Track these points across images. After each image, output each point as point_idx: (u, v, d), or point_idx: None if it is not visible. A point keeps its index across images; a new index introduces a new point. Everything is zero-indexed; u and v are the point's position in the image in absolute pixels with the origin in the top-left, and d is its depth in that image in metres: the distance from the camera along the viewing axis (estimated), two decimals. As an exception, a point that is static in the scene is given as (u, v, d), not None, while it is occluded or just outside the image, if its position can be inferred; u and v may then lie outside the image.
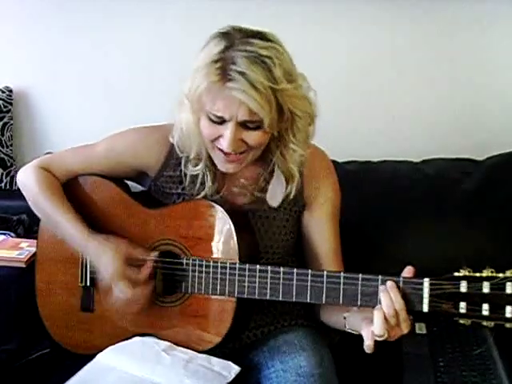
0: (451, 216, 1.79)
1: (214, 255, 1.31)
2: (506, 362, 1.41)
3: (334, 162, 1.48)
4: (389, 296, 1.14)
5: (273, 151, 1.33)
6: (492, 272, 1.10)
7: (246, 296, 1.27)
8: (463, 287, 1.11)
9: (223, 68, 1.18)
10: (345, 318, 1.26)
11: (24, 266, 1.64)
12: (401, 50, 2.07)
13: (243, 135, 1.24)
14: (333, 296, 1.20)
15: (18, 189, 1.48)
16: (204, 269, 1.30)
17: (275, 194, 1.37)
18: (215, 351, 1.31)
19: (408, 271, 1.17)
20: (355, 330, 1.22)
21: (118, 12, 2.14)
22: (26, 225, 1.86)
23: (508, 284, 1.08)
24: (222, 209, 1.30)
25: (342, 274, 1.21)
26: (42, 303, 1.48)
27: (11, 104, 2.19)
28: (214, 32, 1.24)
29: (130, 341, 1.34)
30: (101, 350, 1.32)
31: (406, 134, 2.09)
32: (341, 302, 1.20)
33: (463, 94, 2.06)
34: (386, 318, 1.12)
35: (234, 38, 1.21)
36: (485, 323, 1.10)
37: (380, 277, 1.17)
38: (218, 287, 1.28)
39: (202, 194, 1.36)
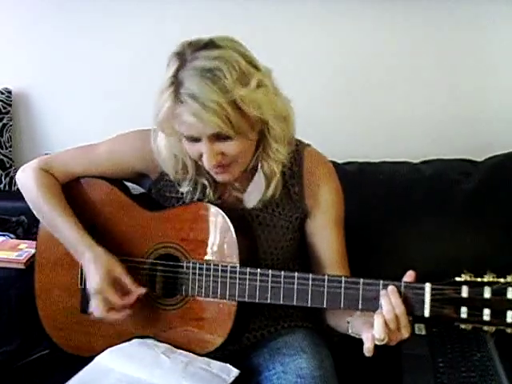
0: (451, 216, 1.78)
1: (215, 258, 1.30)
2: (506, 363, 1.41)
3: (333, 162, 1.48)
4: (389, 300, 1.14)
5: (258, 152, 1.32)
6: (493, 277, 1.09)
7: (246, 300, 1.26)
8: (464, 292, 1.11)
9: (175, 91, 1.18)
10: (348, 322, 1.26)
11: (23, 267, 1.64)
12: (401, 50, 2.06)
13: (221, 147, 1.23)
14: (334, 300, 1.20)
15: (18, 190, 1.48)
16: (204, 272, 1.30)
17: (252, 194, 1.35)
18: (215, 353, 1.30)
19: (409, 276, 1.17)
20: (358, 333, 1.21)
21: (118, 12, 2.14)
22: (25, 226, 1.85)
23: (509, 289, 1.08)
24: (222, 212, 1.30)
25: (343, 278, 1.20)
26: (41, 305, 1.48)
27: (10, 105, 2.19)
28: (171, 53, 1.23)
29: (129, 343, 1.34)
30: (100, 352, 1.32)
31: (405, 134, 2.08)
32: (342, 306, 1.20)
33: (463, 94, 2.06)
34: (386, 323, 1.12)
35: (185, 55, 1.19)
36: (486, 328, 1.10)
37: (381, 281, 1.17)
38: (219, 291, 1.28)
39: (205, 200, 1.36)
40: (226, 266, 1.28)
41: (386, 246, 1.77)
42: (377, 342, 1.13)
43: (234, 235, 1.28)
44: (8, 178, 2.18)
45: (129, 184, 1.50)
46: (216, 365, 1.27)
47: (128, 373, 1.25)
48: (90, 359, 1.31)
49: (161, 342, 1.34)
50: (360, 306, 1.19)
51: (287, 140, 1.31)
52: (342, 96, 2.09)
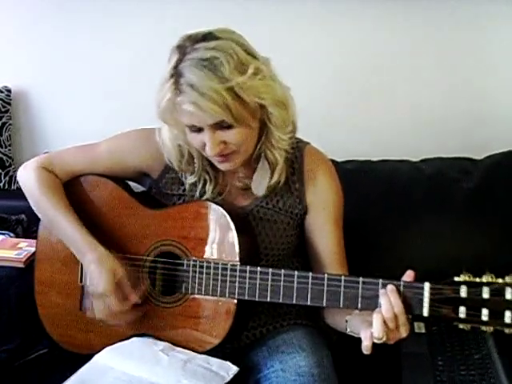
0: (450, 215, 1.79)
1: (215, 256, 1.30)
2: (505, 362, 1.40)
3: (333, 161, 1.49)
4: (388, 300, 1.14)
5: (261, 141, 1.33)
6: (492, 277, 1.10)
7: (246, 298, 1.26)
8: (463, 292, 1.11)
9: (175, 82, 1.21)
10: (346, 321, 1.26)
11: (23, 265, 1.64)
12: (400, 49, 2.06)
13: (223, 136, 1.24)
14: (333, 299, 1.20)
15: (17, 188, 1.48)
16: (204, 270, 1.30)
17: (260, 183, 1.36)
18: (214, 351, 1.30)
19: (408, 275, 1.17)
20: (356, 332, 1.22)
21: (118, 12, 2.14)
22: (25, 225, 1.85)
23: (507, 289, 1.08)
24: (223, 210, 1.30)
25: (342, 277, 1.21)
26: (40, 303, 1.48)
27: (10, 104, 2.20)
28: (172, 47, 1.25)
29: (128, 341, 1.34)
30: (99, 350, 1.32)
31: (405, 133, 2.08)
32: (341, 304, 1.20)
33: (462, 93, 2.06)
34: (385, 322, 1.12)
35: (185, 48, 1.22)
36: (484, 328, 1.10)
37: (380, 280, 1.17)
38: (219, 289, 1.28)
39: (205, 197, 1.38)
40: (226, 264, 1.28)
41: (386, 244, 1.77)
42: (376, 341, 1.13)
43: (235, 233, 1.28)
44: (7, 177, 2.18)
45: (130, 182, 1.50)
46: (215, 362, 1.27)
47: (127, 371, 1.25)
48: (90, 358, 1.31)
49: (160, 339, 1.34)
50: (359, 305, 1.19)
51: (288, 127, 1.32)
52: (342, 95, 2.09)
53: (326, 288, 1.21)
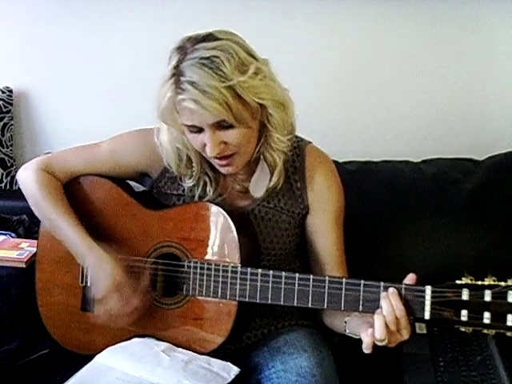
0: (451, 216, 1.78)
1: (216, 258, 1.30)
2: (507, 363, 1.40)
3: (334, 161, 1.48)
4: (390, 303, 1.14)
5: (260, 142, 1.33)
6: (494, 280, 1.09)
7: (247, 300, 1.26)
8: (465, 295, 1.11)
9: (176, 81, 1.21)
10: (345, 322, 1.26)
11: (24, 266, 1.64)
12: (401, 50, 2.06)
13: (223, 137, 1.24)
14: (334, 301, 1.20)
15: (19, 189, 1.48)
16: (205, 272, 1.30)
17: (258, 185, 1.36)
18: (215, 352, 1.30)
19: (410, 278, 1.17)
20: (355, 333, 1.22)
21: (118, 12, 2.14)
22: (26, 225, 1.85)
23: (510, 293, 1.08)
24: (223, 211, 1.30)
25: (343, 279, 1.20)
26: (42, 303, 1.48)
27: (11, 104, 2.19)
28: (172, 48, 1.25)
29: (129, 341, 1.34)
30: (100, 351, 1.32)
31: (406, 134, 2.08)
32: (342, 307, 1.20)
33: (463, 93, 2.06)
34: (386, 325, 1.12)
35: (185, 49, 1.22)
36: (486, 331, 1.10)
37: (382, 283, 1.17)
38: (219, 290, 1.28)
39: (205, 198, 1.38)
40: (227, 266, 1.28)
41: (386, 244, 1.77)
42: (377, 343, 1.13)
43: (236, 235, 1.28)
44: (9, 178, 2.19)
45: (130, 182, 1.50)
46: (216, 363, 1.27)
47: (128, 371, 1.25)
48: (90, 358, 1.31)
49: (161, 340, 1.34)
50: (360, 308, 1.19)
51: (287, 129, 1.32)
52: (342, 95, 2.09)
53: (327, 290, 1.21)
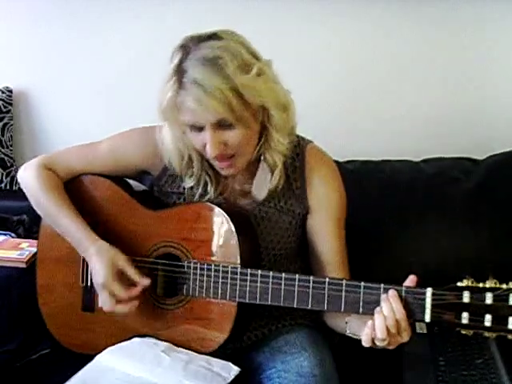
0: (451, 215, 1.78)
1: (216, 258, 1.30)
2: (507, 362, 1.40)
3: (334, 161, 1.48)
4: (390, 305, 1.13)
5: (260, 143, 1.33)
6: (495, 283, 1.09)
7: (247, 301, 1.26)
8: (466, 297, 1.10)
9: (179, 80, 1.21)
10: (346, 322, 1.26)
11: (25, 266, 1.64)
12: (401, 49, 2.06)
13: (224, 136, 1.24)
14: (334, 303, 1.20)
15: (19, 189, 1.48)
16: (205, 272, 1.29)
17: (260, 187, 1.36)
18: (216, 352, 1.30)
19: (410, 280, 1.17)
20: (356, 334, 1.22)
21: (118, 12, 2.14)
22: (27, 225, 1.85)
23: (511, 295, 1.07)
24: (224, 212, 1.30)
25: (344, 281, 1.20)
26: (42, 303, 1.48)
27: (11, 104, 2.19)
28: (174, 47, 1.25)
29: (129, 341, 1.34)
30: (101, 350, 1.32)
31: (406, 133, 2.08)
32: (342, 309, 1.19)
33: (463, 93, 2.06)
34: (386, 327, 1.12)
35: (188, 48, 1.22)
36: (487, 334, 1.09)
37: (382, 285, 1.17)
38: (219, 291, 1.28)
39: (206, 197, 1.37)
40: (227, 267, 1.28)
41: (386, 244, 1.77)
42: (377, 343, 1.13)
43: (236, 236, 1.28)
44: (9, 178, 2.18)
45: (130, 181, 1.50)
46: (217, 363, 1.27)
47: (128, 371, 1.25)
48: (91, 358, 1.31)
49: (161, 340, 1.34)
50: (360, 310, 1.18)
51: (288, 131, 1.32)
52: (342, 95, 2.09)
53: (327, 292, 1.20)
